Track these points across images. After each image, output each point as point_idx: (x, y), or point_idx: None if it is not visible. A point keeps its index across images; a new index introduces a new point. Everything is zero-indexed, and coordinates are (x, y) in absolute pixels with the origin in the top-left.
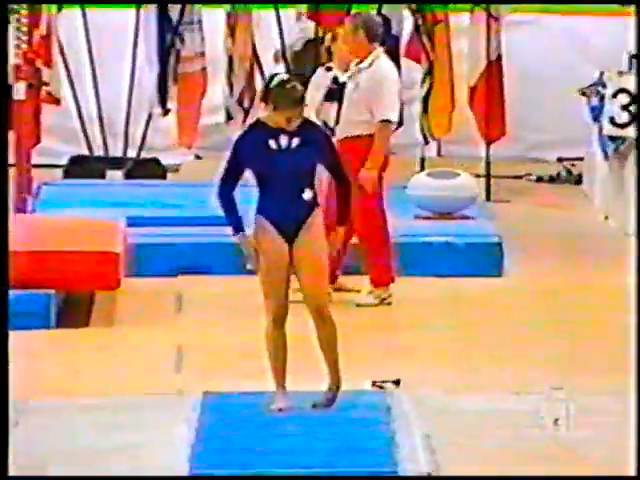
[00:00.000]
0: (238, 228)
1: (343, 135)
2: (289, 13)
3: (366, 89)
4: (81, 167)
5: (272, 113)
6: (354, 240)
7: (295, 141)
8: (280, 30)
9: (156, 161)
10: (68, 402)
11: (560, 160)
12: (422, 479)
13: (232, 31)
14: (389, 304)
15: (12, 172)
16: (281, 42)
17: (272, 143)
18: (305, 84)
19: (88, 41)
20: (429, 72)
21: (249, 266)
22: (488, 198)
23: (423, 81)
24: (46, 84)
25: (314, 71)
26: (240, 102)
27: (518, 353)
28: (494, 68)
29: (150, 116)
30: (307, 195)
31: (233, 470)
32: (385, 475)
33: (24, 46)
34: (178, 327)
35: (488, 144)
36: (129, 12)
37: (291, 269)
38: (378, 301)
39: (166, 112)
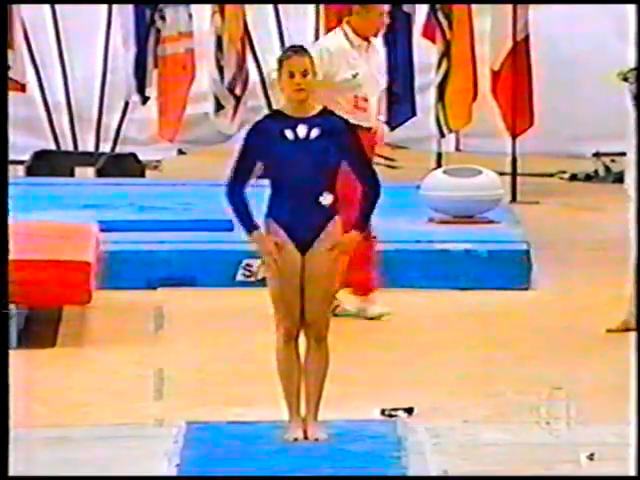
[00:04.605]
0: (253, 227)
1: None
2: None
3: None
4: (47, 163)
5: (283, 83)
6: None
7: (315, 131)
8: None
9: (133, 156)
10: (29, 433)
11: (597, 155)
12: (433, 479)
13: (221, 7)
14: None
15: None
16: (276, 19)
17: (288, 133)
18: None
19: (54, 17)
20: (446, 54)
21: (263, 273)
22: (514, 199)
23: (439, 64)
24: (8, 67)
25: None
26: (231, 89)
27: (548, 378)
28: (521, 50)
29: (126, 105)
30: (327, 199)
31: None
32: None
33: None
34: (158, 347)
35: (514, 137)
36: None
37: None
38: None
39: (145, 100)
